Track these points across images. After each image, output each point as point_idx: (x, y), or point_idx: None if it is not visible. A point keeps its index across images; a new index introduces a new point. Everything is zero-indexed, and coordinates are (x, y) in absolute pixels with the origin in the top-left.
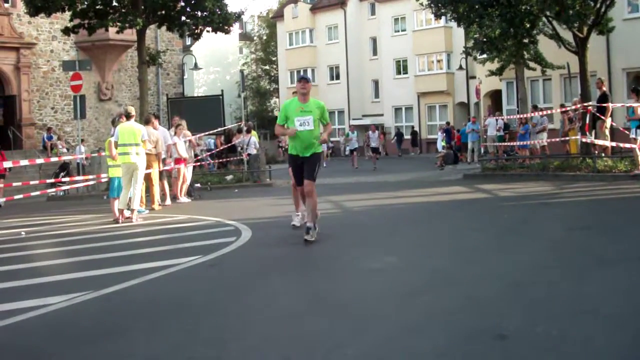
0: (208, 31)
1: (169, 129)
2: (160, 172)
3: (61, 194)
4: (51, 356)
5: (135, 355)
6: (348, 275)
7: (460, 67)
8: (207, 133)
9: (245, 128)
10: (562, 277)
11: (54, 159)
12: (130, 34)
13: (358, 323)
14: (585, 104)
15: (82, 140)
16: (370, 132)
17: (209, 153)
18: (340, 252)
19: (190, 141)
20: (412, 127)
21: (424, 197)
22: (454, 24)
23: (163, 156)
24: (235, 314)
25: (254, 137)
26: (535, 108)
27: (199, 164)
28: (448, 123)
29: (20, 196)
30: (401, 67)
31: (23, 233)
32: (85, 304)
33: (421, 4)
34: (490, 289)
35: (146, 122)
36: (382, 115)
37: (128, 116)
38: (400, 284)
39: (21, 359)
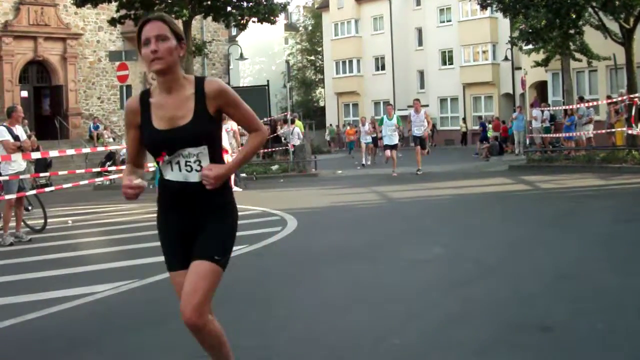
0: (254, 21)
1: None
2: None
3: (107, 183)
4: (98, 343)
5: (181, 343)
6: (394, 266)
7: (506, 58)
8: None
9: (289, 119)
10: (607, 270)
11: (100, 149)
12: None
13: (404, 313)
14: (632, 96)
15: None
16: (412, 112)
17: None
18: (386, 242)
19: (234, 132)
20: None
21: (470, 188)
22: (499, 14)
23: None
24: (281, 304)
25: (297, 127)
26: (581, 99)
27: None
28: (480, 117)
29: (69, 185)
30: (446, 57)
31: (70, 222)
32: (131, 292)
33: None
34: (536, 281)
35: None
36: (427, 106)
37: None
38: (446, 275)
39: (69, 346)
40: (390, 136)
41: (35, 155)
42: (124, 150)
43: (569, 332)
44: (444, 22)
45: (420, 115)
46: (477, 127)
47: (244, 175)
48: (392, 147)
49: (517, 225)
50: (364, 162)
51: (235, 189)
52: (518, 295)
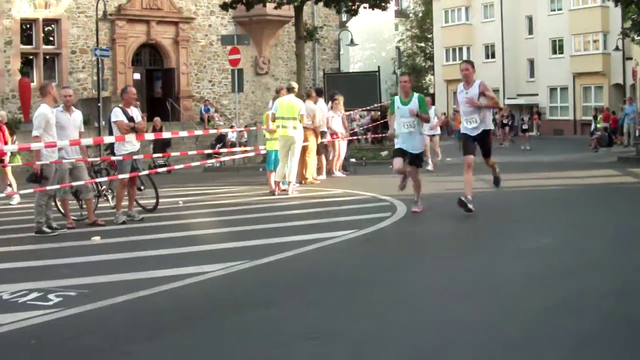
0: (365, 7)
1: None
2: (318, 146)
3: (217, 165)
4: (207, 322)
5: (289, 324)
6: (501, 255)
7: (617, 48)
8: (363, 109)
9: None
10: None
11: (212, 131)
12: (287, 10)
13: (511, 302)
14: None
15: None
16: (460, 86)
17: (364, 127)
18: (493, 231)
19: (342, 118)
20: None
21: (577, 179)
22: (611, 3)
23: (323, 129)
24: (390, 288)
25: None
26: None
27: (356, 138)
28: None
29: (181, 166)
30: (557, 46)
31: (181, 202)
32: (240, 273)
33: None
34: None
35: (307, 96)
36: (537, 95)
37: (290, 90)
38: (552, 265)
39: (178, 323)
40: (407, 136)
41: (149, 136)
42: (233, 133)
43: None
44: (554, 10)
45: (473, 88)
46: (587, 118)
47: (353, 160)
48: (413, 159)
49: (624, 217)
50: (430, 166)
51: (342, 173)
52: (623, 288)
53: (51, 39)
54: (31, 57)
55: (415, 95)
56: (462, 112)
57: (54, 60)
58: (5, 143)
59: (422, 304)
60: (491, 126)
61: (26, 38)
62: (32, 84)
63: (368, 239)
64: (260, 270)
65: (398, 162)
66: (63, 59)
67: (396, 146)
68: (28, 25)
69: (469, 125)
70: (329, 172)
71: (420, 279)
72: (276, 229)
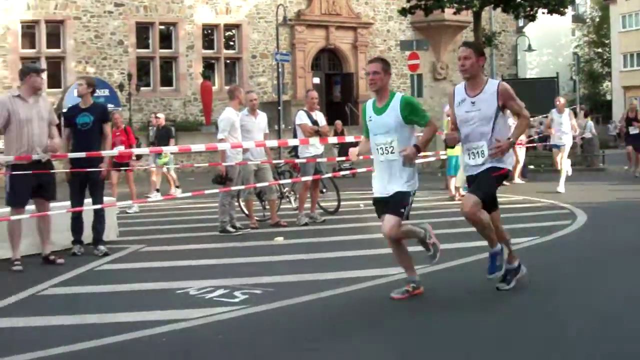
0: (543, 13)
1: None
2: None
3: None
4: (391, 324)
5: (474, 328)
6: None
7: None
8: (543, 116)
9: (582, 112)
10: None
11: None
12: (465, 15)
13: None
14: None
15: None
16: (461, 91)
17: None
18: None
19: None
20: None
21: None
22: None
23: None
24: (570, 296)
25: (590, 121)
26: None
27: (533, 145)
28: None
29: (363, 170)
30: None
31: (362, 205)
32: (429, 276)
33: None
34: None
35: None
36: None
37: None
38: None
39: (364, 324)
40: (385, 167)
41: (332, 139)
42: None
43: None
44: None
45: (485, 94)
46: None
47: (531, 167)
48: (392, 205)
49: None
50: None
51: (521, 180)
52: None
53: (231, 43)
54: (212, 61)
55: (397, 96)
56: (463, 135)
57: (234, 65)
58: (130, 145)
59: (601, 311)
60: (508, 165)
61: (207, 43)
62: (213, 87)
63: (549, 247)
64: (441, 274)
65: (389, 222)
66: (243, 63)
67: (374, 193)
68: (209, 31)
69: (471, 160)
70: (511, 180)
71: (601, 287)
72: (454, 234)
